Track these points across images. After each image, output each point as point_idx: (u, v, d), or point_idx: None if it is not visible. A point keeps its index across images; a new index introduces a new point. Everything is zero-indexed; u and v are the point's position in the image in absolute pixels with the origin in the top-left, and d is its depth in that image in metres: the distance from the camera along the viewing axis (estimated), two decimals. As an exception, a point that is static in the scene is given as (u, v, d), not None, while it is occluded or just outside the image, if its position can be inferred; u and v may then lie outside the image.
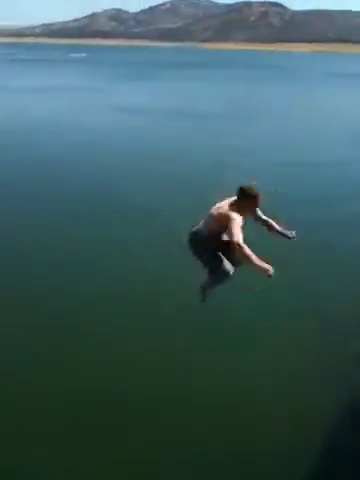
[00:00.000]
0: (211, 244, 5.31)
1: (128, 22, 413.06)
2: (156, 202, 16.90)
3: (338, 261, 13.07)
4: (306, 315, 10.35)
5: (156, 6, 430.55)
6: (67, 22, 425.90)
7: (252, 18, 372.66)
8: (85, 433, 7.73)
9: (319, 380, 8.88)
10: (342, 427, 8.01)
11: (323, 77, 76.65)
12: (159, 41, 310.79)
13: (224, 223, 5.00)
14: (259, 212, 5.54)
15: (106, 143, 27.54)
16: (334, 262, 13.01)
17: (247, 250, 4.81)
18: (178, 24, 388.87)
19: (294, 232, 5.65)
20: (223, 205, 5.22)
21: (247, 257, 4.80)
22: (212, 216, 5.26)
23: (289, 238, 5.61)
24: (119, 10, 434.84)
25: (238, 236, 4.83)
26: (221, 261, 5.37)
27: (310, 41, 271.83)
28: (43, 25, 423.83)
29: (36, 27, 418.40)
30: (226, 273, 5.39)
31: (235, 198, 5.23)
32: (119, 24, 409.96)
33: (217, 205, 5.32)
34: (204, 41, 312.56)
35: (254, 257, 4.82)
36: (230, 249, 5.01)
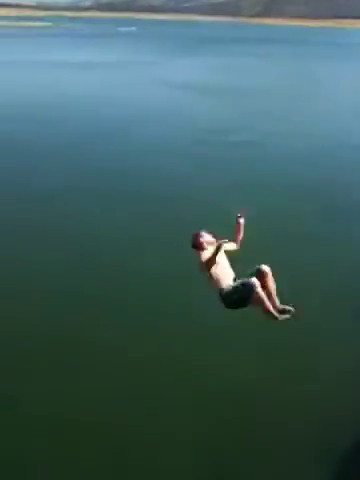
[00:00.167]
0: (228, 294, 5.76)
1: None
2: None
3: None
4: (307, 315, 9.98)
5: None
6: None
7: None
8: (85, 426, 7.78)
9: (319, 380, 8.65)
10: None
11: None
12: (208, 15, 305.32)
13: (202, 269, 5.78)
14: (226, 244, 5.69)
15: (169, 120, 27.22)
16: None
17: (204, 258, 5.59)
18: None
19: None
20: None
21: (207, 261, 5.53)
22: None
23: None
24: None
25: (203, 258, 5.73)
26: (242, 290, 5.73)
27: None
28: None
29: (85, 0, 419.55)
30: (251, 285, 5.62)
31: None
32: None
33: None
34: (253, 16, 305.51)
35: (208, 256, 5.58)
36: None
